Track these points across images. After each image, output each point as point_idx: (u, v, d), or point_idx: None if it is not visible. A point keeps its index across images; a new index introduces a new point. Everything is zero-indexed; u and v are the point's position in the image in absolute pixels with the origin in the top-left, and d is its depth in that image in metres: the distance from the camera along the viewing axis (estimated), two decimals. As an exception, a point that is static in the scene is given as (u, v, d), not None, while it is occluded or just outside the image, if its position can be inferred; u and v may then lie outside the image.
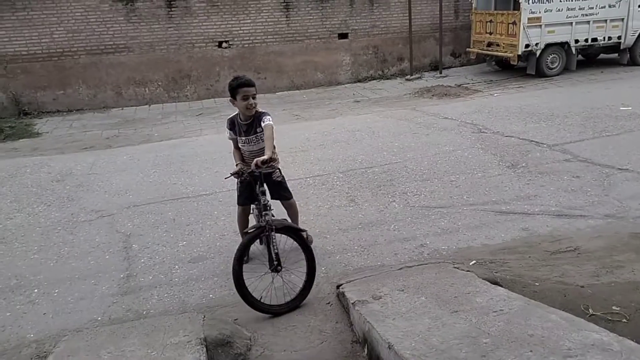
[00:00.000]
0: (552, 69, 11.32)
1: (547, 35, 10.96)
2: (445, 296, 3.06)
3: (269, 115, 3.67)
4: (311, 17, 11.90)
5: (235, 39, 11.47)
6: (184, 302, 3.59)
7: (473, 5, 12.14)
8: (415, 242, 4.24)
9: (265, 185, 3.65)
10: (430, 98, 10.20)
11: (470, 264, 3.73)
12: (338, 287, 3.51)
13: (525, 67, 11.52)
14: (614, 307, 3.07)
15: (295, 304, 3.43)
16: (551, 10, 10.84)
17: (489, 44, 11.78)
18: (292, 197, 4.08)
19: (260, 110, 3.70)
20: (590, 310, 3.04)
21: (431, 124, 7.94)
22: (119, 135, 8.73)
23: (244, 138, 3.72)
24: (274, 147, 3.72)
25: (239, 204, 3.94)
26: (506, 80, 11.38)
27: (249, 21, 11.46)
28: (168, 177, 6.20)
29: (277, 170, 3.90)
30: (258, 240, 3.70)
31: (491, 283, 3.30)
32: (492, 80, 11.50)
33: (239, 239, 4.43)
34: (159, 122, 9.69)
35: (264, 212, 3.46)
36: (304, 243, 3.48)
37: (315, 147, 7.06)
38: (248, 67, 11.53)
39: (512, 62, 11.31)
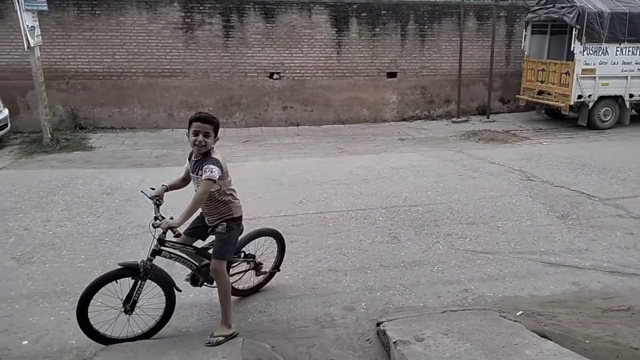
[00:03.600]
0: (604, 121, 11.04)
1: (600, 88, 10.74)
2: (491, 345, 2.95)
3: (213, 165, 3.13)
4: (362, 55, 12.10)
5: (287, 71, 11.74)
6: (223, 324, 3.57)
7: (525, 52, 12.09)
8: (459, 286, 4.13)
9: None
10: (476, 142, 10.10)
11: (517, 314, 3.60)
12: (378, 324, 3.45)
13: (576, 118, 11.27)
14: (672, 375, 2.89)
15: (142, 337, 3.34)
16: (606, 63, 10.65)
17: (540, 92, 11.64)
18: (218, 257, 3.34)
19: (215, 153, 3.24)
20: (647, 376, 2.87)
21: (477, 167, 7.83)
22: (168, 155, 8.98)
23: (192, 175, 3.38)
24: (234, 194, 3.43)
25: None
26: (556, 130, 11.16)
27: (301, 55, 11.74)
28: (213, 199, 6.29)
29: (225, 222, 3.40)
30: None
31: (540, 336, 3.17)
32: (541, 129, 11.30)
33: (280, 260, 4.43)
34: (206, 145, 9.90)
35: (149, 256, 3.25)
36: (170, 298, 3.42)
37: (358, 181, 7.05)
38: (296, 99, 11.76)
39: (563, 112, 11.11)
